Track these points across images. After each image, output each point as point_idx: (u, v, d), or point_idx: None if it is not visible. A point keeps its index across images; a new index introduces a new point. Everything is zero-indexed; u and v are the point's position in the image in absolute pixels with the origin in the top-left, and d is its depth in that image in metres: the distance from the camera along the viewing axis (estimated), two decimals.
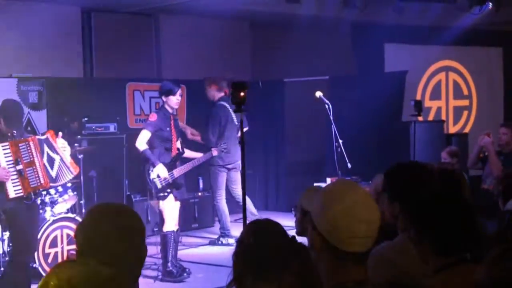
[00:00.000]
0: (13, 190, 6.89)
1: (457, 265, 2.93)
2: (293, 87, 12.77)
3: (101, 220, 2.54)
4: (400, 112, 11.76)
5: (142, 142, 8.29)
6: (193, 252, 9.52)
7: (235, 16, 12.48)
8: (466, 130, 14.09)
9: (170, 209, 8.36)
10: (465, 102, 14.45)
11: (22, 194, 6.94)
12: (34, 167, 7.02)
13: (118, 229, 2.52)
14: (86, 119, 9.92)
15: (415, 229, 3.06)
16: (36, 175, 7.03)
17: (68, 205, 8.50)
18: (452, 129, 13.99)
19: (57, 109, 10.09)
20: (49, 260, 7.89)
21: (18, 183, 6.94)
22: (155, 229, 10.20)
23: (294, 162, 12.56)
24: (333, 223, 2.46)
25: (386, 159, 10.14)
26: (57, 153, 7.29)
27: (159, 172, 8.24)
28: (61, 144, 7.37)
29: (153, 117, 8.43)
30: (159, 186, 8.28)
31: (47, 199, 8.11)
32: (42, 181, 7.07)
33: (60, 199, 8.22)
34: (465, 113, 14.42)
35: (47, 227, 7.94)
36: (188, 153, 8.87)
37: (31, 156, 7.01)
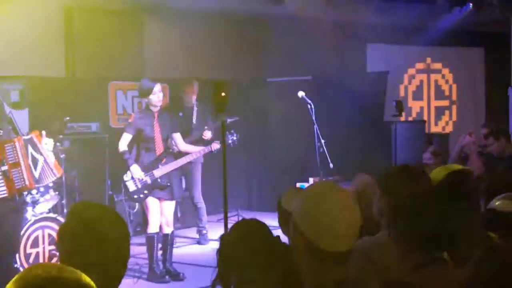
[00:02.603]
0: None
1: (434, 263, 2.96)
2: (276, 87, 12.78)
3: (89, 224, 2.53)
4: (382, 112, 11.81)
5: (122, 144, 8.21)
6: (176, 252, 9.50)
7: (218, 16, 12.48)
8: (448, 130, 14.16)
9: (152, 211, 8.30)
10: (447, 102, 14.52)
11: (6, 195, 6.89)
12: (19, 168, 6.97)
13: (105, 233, 2.51)
14: (68, 118, 9.87)
15: (394, 226, 3.10)
16: (21, 176, 6.99)
17: (50, 204, 8.46)
18: (434, 129, 14.06)
19: (39, 108, 10.04)
20: (31, 260, 7.85)
21: (3, 184, 6.89)
22: (138, 229, 10.20)
23: (276, 162, 12.57)
24: (315, 223, 2.48)
25: (368, 159, 10.23)
26: (41, 154, 7.27)
27: (132, 173, 8.19)
28: (45, 143, 7.33)
29: (130, 118, 8.37)
30: (132, 188, 8.22)
31: (28, 198, 8.06)
32: (27, 183, 7.03)
33: (41, 199, 8.18)
34: (447, 113, 14.50)
35: (29, 227, 7.89)
36: (186, 148, 8.67)
37: (16, 157, 6.97)
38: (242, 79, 12.67)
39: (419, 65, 14.25)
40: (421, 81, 14.25)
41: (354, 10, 12.29)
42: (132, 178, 8.18)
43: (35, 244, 7.95)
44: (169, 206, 8.42)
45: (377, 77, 12.27)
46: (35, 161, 7.20)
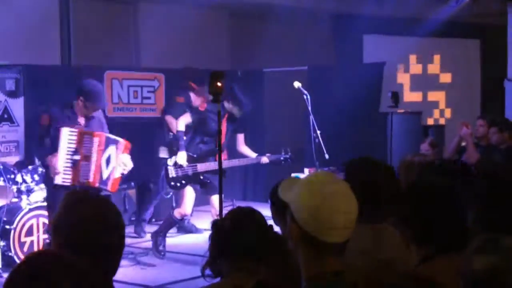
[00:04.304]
0: (61, 177, 6.90)
1: (439, 254, 2.95)
2: (272, 77, 12.76)
3: (85, 212, 2.52)
4: (378, 103, 11.81)
5: (181, 124, 8.36)
6: (170, 241, 9.52)
7: (214, 5, 12.45)
8: (443, 121, 14.16)
9: (188, 199, 8.38)
10: (443, 94, 14.52)
11: (69, 183, 6.94)
12: (88, 163, 7.00)
13: (102, 220, 2.51)
14: None
15: (399, 218, 3.09)
16: (88, 171, 7.03)
17: (45, 193, 8.45)
18: (429, 120, 14.05)
19: (35, 97, 10.01)
20: (25, 249, 7.86)
21: (70, 173, 6.96)
22: (132, 219, 10.19)
23: (272, 153, 12.54)
24: (312, 214, 2.46)
25: (364, 150, 10.21)
26: (115, 162, 7.27)
27: (177, 159, 8.23)
28: (121, 159, 7.30)
29: (202, 107, 8.47)
30: (172, 174, 8.25)
31: (23, 187, 8.07)
32: (91, 179, 7.05)
33: (36, 188, 8.17)
34: (443, 104, 14.49)
35: (23, 216, 7.90)
36: (244, 150, 8.77)
37: (90, 151, 7.00)
38: (238, 69, 12.64)
39: (416, 56, 14.23)
40: (417, 73, 14.25)
41: (351, 1, 12.28)
42: (175, 164, 8.21)
43: (29, 232, 7.95)
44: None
45: (373, 68, 12.26)
46: (107, 163, 7.21)
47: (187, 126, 8.43)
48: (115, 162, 7.24)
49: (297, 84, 9.12)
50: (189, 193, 8.33)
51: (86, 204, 2.57)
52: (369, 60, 13.09)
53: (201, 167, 8.24)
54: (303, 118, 9.45)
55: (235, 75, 12.00)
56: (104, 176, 7.18)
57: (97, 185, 7.18)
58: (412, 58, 14.15)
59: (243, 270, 2.98)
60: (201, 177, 8.24)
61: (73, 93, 10.16)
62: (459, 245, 2.89)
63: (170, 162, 8.29)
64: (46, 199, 7.58)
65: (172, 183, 8.32)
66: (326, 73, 12.29)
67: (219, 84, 5.92)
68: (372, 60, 12.81)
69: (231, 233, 3.06)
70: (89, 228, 2.47)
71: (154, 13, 12.31)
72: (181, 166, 8.22)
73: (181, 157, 8.22)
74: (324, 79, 11.85)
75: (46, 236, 7.88)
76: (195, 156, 8.29)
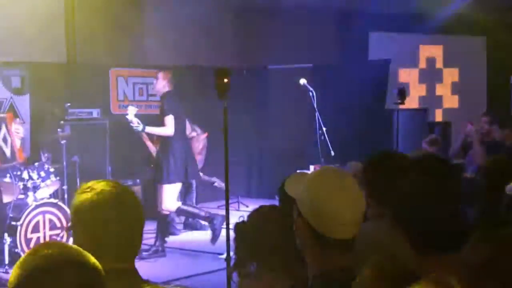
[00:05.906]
0: None
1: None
2: (277, 74, 12.76)
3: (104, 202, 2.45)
4: (383, 100, 11.80)
5: None
6: (176, 238, 9.53)
7: (220, 2, 12.44)
8: (449, 118, 14.15)
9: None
10: (448, 91, 14.50)
11: None
12: None
13: (120, 213, 2.45)
14: (69, 104, 9.87)
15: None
16: None
17: (51, 190, 8.48)
18: (435, 117, 14.04)
19: (40, 94, 10.04)
20: (31, 245, 7.86)
21: None
22: None
23: (277, 149, 12.56)
24: (319, 210, 2.44)
25: (369, 147, 10.21)
26: (10, 136, 7.51)
27: None
28: (15, 129, 7.66)
29: None
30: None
31: (29, 184, 8.08)
32: None
33: (42, 184, 8.19)
34: (448, 101, 14.48)
35: (30, 212, 7.91)
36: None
37: None
38: (243, 66, 12.64)
39: (421, 54, 14.22)
40: (423, 70, 14.23)
41: None
42: None
43: (35, 229, 7.96)
44: (161, 189, 8.58)
45: (379, 65, 12.26)
46: (5, 141, 7.39)
47: None
48: (10, 137, 7.52)
49: (302, 81, 9.12)
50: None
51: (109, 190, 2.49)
52: (374, 57, 13.08)
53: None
54: (308, 115, 9.44)
55: (240, 72, 12.00)
56: (8, 153, 7.34)
57: (4, 165, 7.35)
58: (418, 55, 14.13)
59: (275, 270, 2.92)
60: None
61: (78, 90, 10.30)
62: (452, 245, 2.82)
63: None
64: None
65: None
66: (332, 70, 12.28)
67: (225, 80, 5.94)
68: (377, 57, 12.80)
69: (255, 234, 3.00)
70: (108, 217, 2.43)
71: (159, 10, 12.30)
72: None
73: None
74: (329, 76, 11.84)
75: (52, 232, 7.92)
76: None
